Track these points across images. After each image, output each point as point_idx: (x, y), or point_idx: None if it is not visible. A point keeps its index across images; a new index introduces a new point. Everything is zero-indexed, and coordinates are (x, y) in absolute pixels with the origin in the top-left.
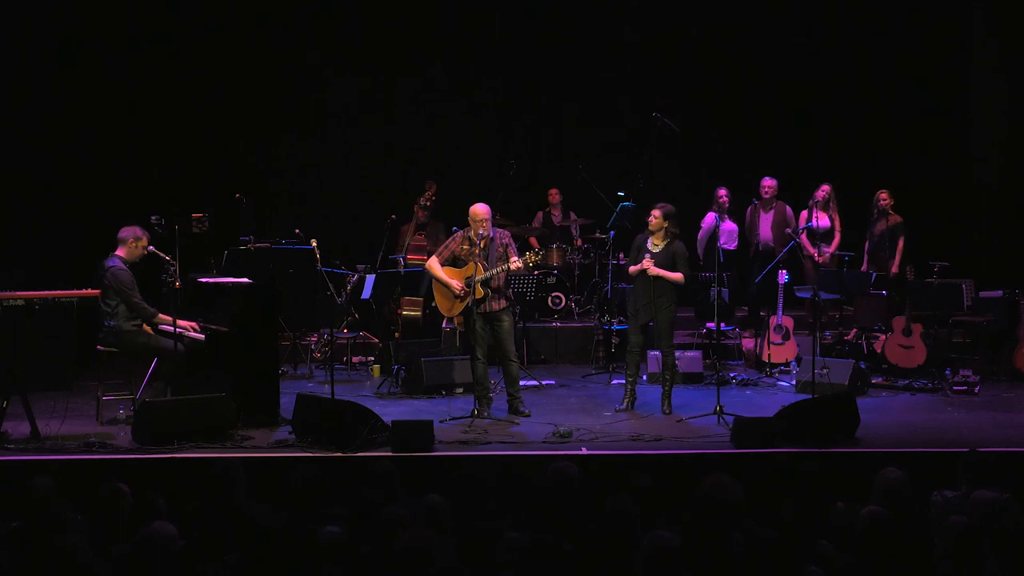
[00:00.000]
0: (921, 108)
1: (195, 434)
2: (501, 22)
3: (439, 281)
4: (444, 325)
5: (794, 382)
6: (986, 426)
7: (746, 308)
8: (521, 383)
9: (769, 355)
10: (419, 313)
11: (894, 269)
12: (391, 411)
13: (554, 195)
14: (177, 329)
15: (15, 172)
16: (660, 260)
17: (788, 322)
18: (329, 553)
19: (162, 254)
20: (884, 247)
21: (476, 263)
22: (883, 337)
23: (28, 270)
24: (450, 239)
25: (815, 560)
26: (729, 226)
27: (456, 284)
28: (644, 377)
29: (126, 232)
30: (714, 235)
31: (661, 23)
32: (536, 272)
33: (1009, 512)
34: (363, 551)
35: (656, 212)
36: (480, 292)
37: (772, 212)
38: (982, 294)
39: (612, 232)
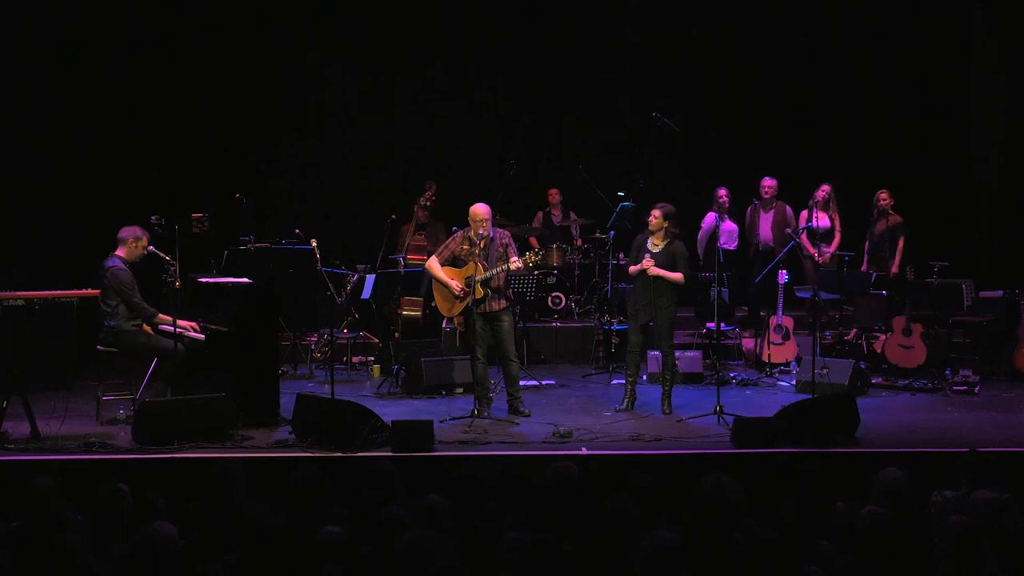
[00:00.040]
0: (921, 108)
1: (195, 434)
2: (501, 22)
3: (439, 281)
4: (444, 325)
5: (794, 382)
6: (986, 426)
7: (746, 308)
8: (521, 383)
9: (769, 355)
10: (419, 313)
11: (894, 269)
12: (391, 411)
13: (554, 195)
14: (177, 329)
15: (15, 172)
16: (660, 260)
17: (788, 322)
18: (329, 553)
19: (162, 254)
20: (884, 247)
21: (476, 263)
22: (883, 337)
23: (28, 270)
24: (450, 239)
25: (815, 560)
26: (729, 226)
27: (455, 284)
28: (644, 377)
29: (126, 232)
30: (714, 235)
31: (661, 23)
32: (536, 272)
33: (1009, 512)
34: (363, 551)
35: (656, 212)
36: (480, 292)
37: (772, 212)
38: (982, 294)
39: (612, 232)
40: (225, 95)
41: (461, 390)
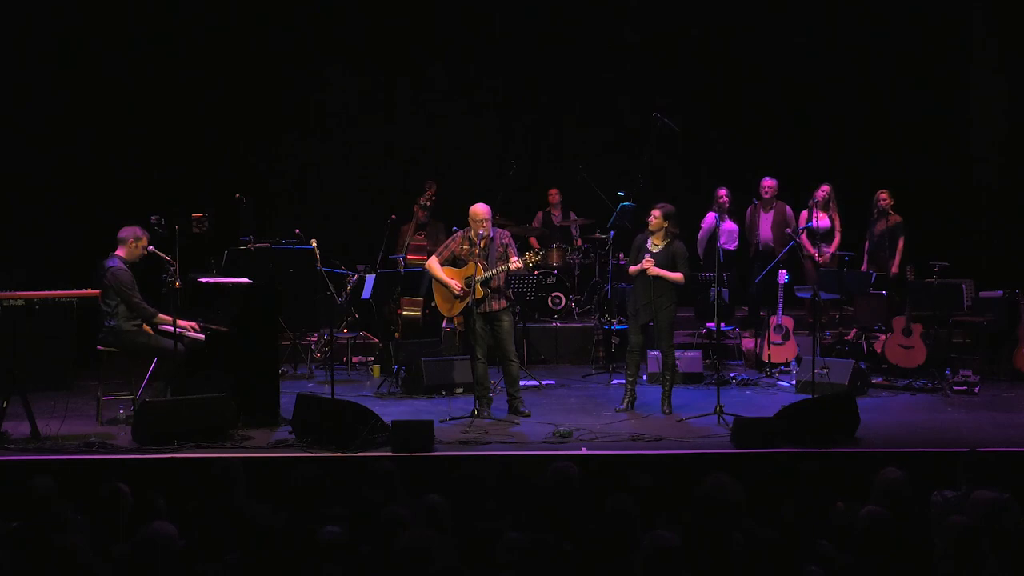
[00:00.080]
0: (921, 108)
1: (195, 434)
2: (501, 22)
3: (439, 281)
4: (444, 325)
5: (794, 382)
6: (986, 426)
7: (746, 308)
8: (521, 383)
9: (769, 355)
10: (419, 313)
11: (894, 269)
12: (391, 411)
13: (554, 195)
14: (177, 329)
15: (15, 172)
16: (660, 260)
17: (788, 322)
18: (329, 553)
19: (162, 254)
20: (884, 247)
21: (476, 263)
22: (883, 337)
23: (28, 270)
24: (450, 239)
25: (815, 560)
26: (729, 226)
27: (455, 284)
28: (644, 377)
29: (126, 232)
30: (714, 235)
31: (661, 23)
32: (536, 272)
33: (1009, 512)
34: (363, 551)
35: (656, 212)
36: (480, 292)
37: (772, 212)
38: (982, 294)
39: (612, 232)
40: (225, 95)
41: (461, 390)
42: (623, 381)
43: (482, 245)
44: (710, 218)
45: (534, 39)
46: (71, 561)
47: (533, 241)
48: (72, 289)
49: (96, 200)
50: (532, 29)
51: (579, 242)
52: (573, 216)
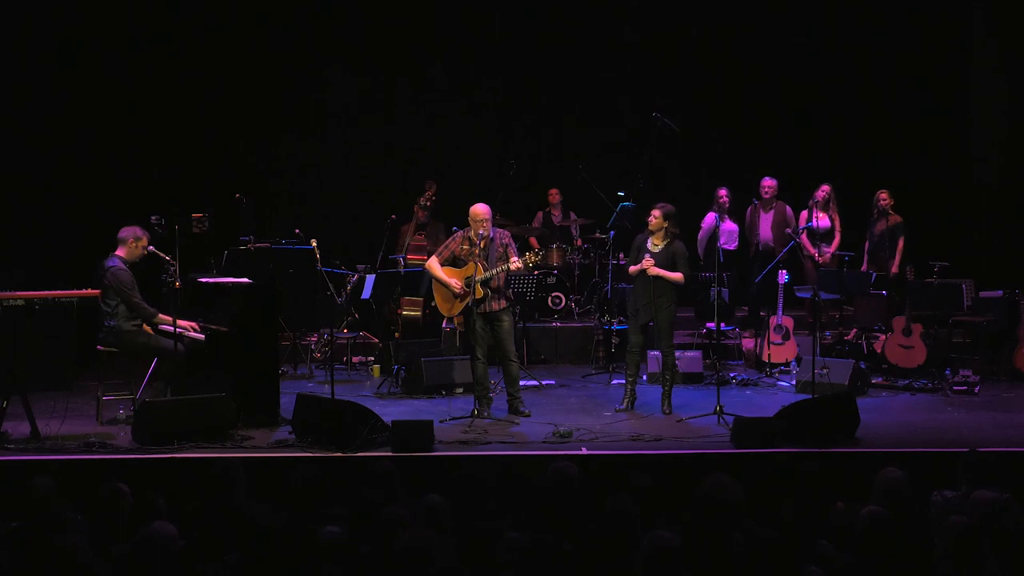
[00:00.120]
0: (921, 108)
1: (195, 434)
2: (501, 22)
3: (439, 281)
4: (444, 325)
5: (794, 382)
6: (986, 426)
7: (746, 308)
8: (521, 383)
9: (769, 355)
10: (419, 313)
11: (894, 269)
12: (391, 411)
13: (554, 195)
14: (177, 329)
15: (15, 172)
16: (660, 260)
17: (788, 322)
18: (329, 553)
19: (162, 254)
20: (884, 247)
21: (476, 263)
22: (883, 337)
23: (28, 270)
24: (450, 239)
25: (815, 560)
26: (729, 226)
27: (455, 283)
28: (644, 377)
29: (126, 232)
30: (714, 235)
31: (661, 23)
32: (536, 272)
33: (1009, 512)
34: (363, 551)
35: (656, 212)
36: (480, 292)
37: (772, 212)
38: (982, 294)
39: (612, 232)
40: (225, 95)
41: (461, 390)
42: (623, 381)
43: (482, 245)
44: (710, 218)
45: (534, 39)
46: (71, 561)
47: (533, 241)
48: (72, 289)
49: (96, 200)
50: (532, 29)
51: (579, 242)
52: (573, 216)
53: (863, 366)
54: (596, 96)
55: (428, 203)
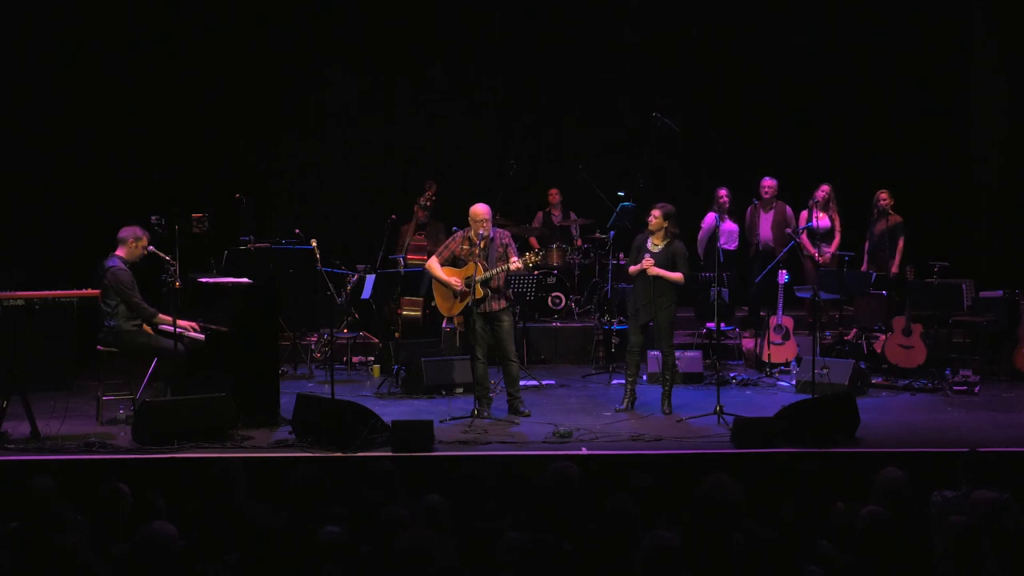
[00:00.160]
0: (921, 108)
1: (195, 434)
2: (501, 22)
3: (439, 281)
4: (444, 325)
5: (794, 382)
6: (986, 426)
7: (746, 308)
8: (521, 383)
9: (769, 355)
10: (419, 313)
11: (894, 269)
12: (391, 411)
13: (554, 195)
14: (177, 329)
15: (15, 172)
16: (660, 260)
17: (788, 322)
18: (329, 553)
19: (162, 254)
20: (884, 247)
21: (476, 263)
22: (883, 337)
23: (28, 270)
24: (450, 239)
25: (815, 560)
26: (729, 226)
27: (455, 281)
28: (644, 377)
29: (126, 232)
30: (714, 235)
31: (661, 23)
32: (536, 272)
33: (1009, 512)
34: (363, 551)
35: (656, 212)
36: (480, 292)
37: (772, 212)
38: (982, 294)
39: (612, 232)
40: (225, 95)
41: (461, 390)
42: (623, 381)
43: (482, 245)
44: (710, 218)
45: (534, 39)
46: (71, 561)
47: (533, 241)
48: (72, 289)
49: (96, 200)
50: (532, 29)
51: (579, 242)
52: (573, 216)
53: (863, 366)
54: (596, 96)
55: (428, 203)
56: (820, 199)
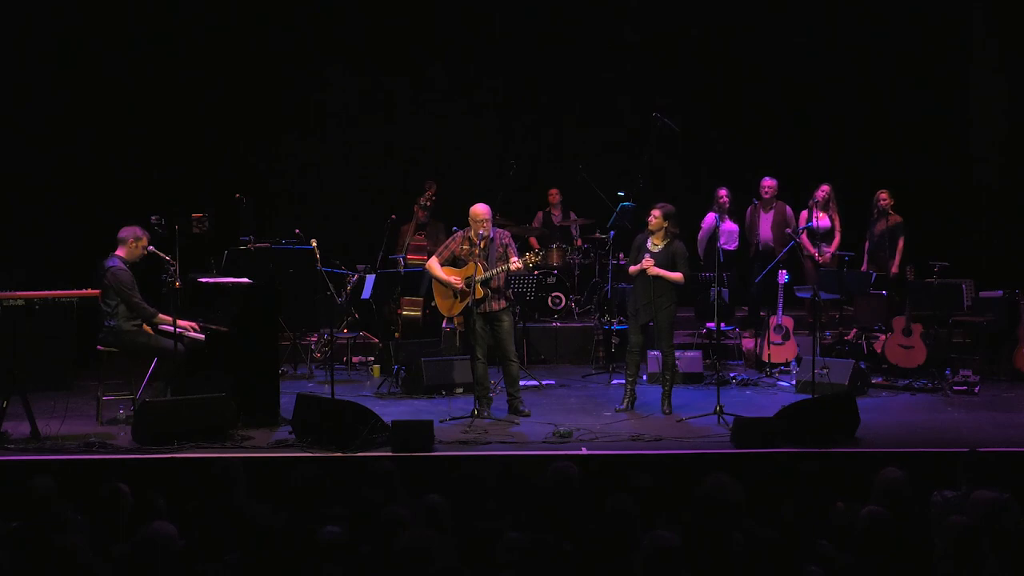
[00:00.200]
0: (921, 108)
1: (195, 434)
2: (501, 22)
3: (439, 281)
4: (444, 325)
5: (794, 382)
6: (986, 426)
7: (746, 308)
8: (521, 383)
9: (769, 355)
10: (419, 313)
11: (894, 269)
12: (391, 411)
13: (554, 195)
14: (177, 329)
15: (15, 172)
16: (660, 260)
17: (788, 322)
18: (329, 553)
19: (162, 254)
20: (884, 247)
21: (476, 263)
22: (883, 337)
23: (28, 270)
24: (450, 239)
25: (815, 560)
26: (729, 226)
27: (456, 280)
28: (644, 377)
29: (126, 232)
30: (714, 235)
31: (661, 23)
32: (536, 272)
33: (1009, 512)
34: (363, 551)
35: (656, 212)
36: (480, 292)
37: (772, 212)
38: (982, 294)
39: (612, 232)
40: (225, 95)
41: (461, 390)
42: (623, 381)
43: (482, 245)
44: (710, 218)
45: (534, 39)
46: (71, 561)
47: (533, 241)
48: (72, 289)
49: (96, 200)
50: (532, 29)
51: (579, 242)
52: (573, 216)
53: (863, 366)
54: (596, 96)
55: (428, 203)
56: (820, 199)
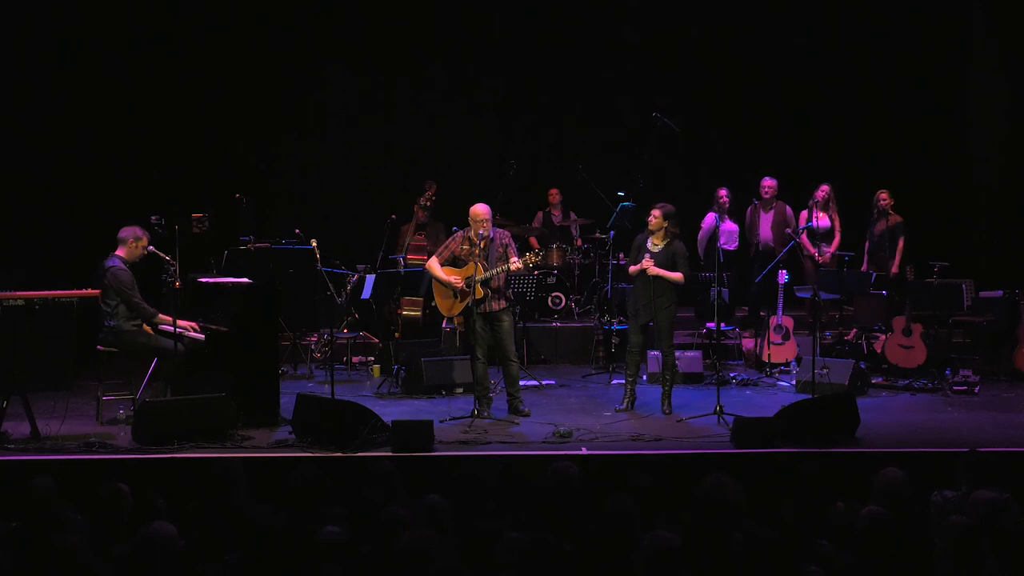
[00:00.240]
0: (921, 108)
1: (195, 434)
2: (501, 22)
3: (439, 281)
4: (444, 325)
5: (794, 382)
6: (986, 426)
7: (746, 308)
8: (521, 383)
9: (769, 355)
10: (419, 313)
11: (894, 269)
12: (391, 411)
13: (554, 195)
14: (177, 329)
15: (15, 172)
16: (660, 260)
17: (788, 322)
18: (329, 553)
19: (162, 254)
20: (884, 247)
21: (476, 263)
22: (883, 337)
23: (28, 270)
24: (450, 239)
25: (815, 560)
26: (729, 226)
27: (456, 279)
28: (644, 377)
29: (126, 232)
30: (714, 235)
31: (661, 23)
32: (536, 272)
33: (1009, 512)
34: (363, 551)
35: (656, 212)
36: (480, 292)
37: (772, 212)
38: (982, 294)
39: (612, 232)
40: (225, 95)
41: (461, 390)
42: (623, 381)
43: (482, 245)
44: (710, 218)
45: (534, 39)
46: (71, 561)
47: (533, 241)
48: (72, 289)
49: (96, 200)
50: (532, 29)
51: (579, 242)
52: (573, 216)
53: (863, 366)
54: (596, 96)
55: (428, 203)
56: (820, 199)
